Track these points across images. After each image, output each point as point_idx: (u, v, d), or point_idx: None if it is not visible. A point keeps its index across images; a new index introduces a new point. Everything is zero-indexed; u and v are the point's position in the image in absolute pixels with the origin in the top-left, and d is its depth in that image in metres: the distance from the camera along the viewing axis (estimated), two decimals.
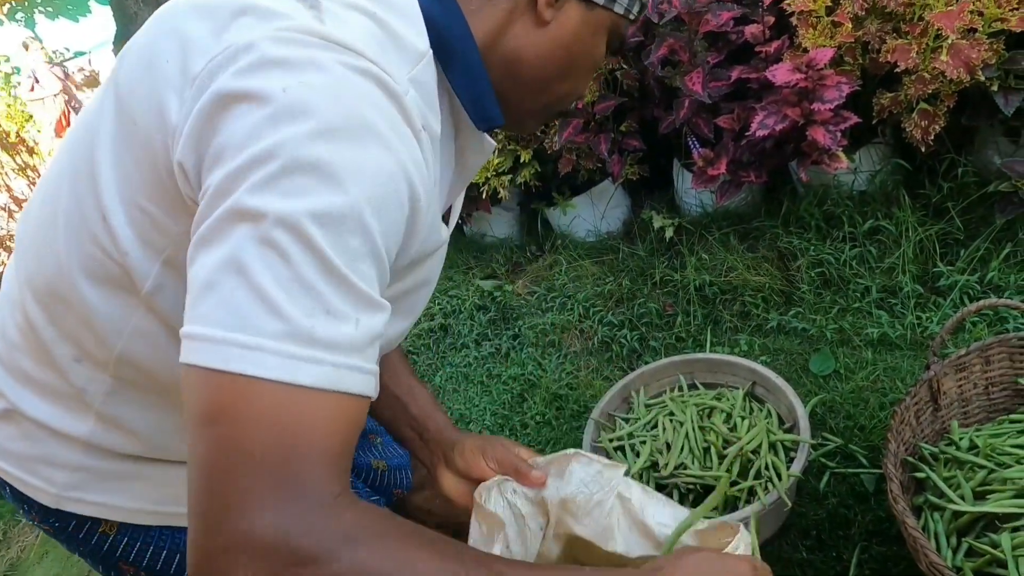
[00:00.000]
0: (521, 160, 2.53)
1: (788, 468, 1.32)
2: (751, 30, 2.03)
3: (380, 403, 0.90)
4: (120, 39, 4.33)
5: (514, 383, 2.25)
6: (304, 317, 0.47)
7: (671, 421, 1.50)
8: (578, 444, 1.92)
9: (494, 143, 0.79)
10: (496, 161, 2.51)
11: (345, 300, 0.49)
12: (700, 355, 1.68)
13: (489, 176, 2.52)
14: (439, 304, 2.66)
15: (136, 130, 0.58)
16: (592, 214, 2.64)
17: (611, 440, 1.52)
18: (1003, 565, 1.07)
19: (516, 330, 2.48)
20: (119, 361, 0.68)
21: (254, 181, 0.47)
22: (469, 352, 2.45)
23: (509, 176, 2.55)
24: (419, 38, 0.61)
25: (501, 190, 2.54)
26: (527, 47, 0.68)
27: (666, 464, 1.41)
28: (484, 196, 2.58)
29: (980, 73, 1.70)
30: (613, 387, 1.66)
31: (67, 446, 0.73)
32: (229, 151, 0.49)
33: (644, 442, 1.48)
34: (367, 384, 0.51)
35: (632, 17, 0.73)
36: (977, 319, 1.77)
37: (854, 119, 1.82)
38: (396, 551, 0.47)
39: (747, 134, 1.91)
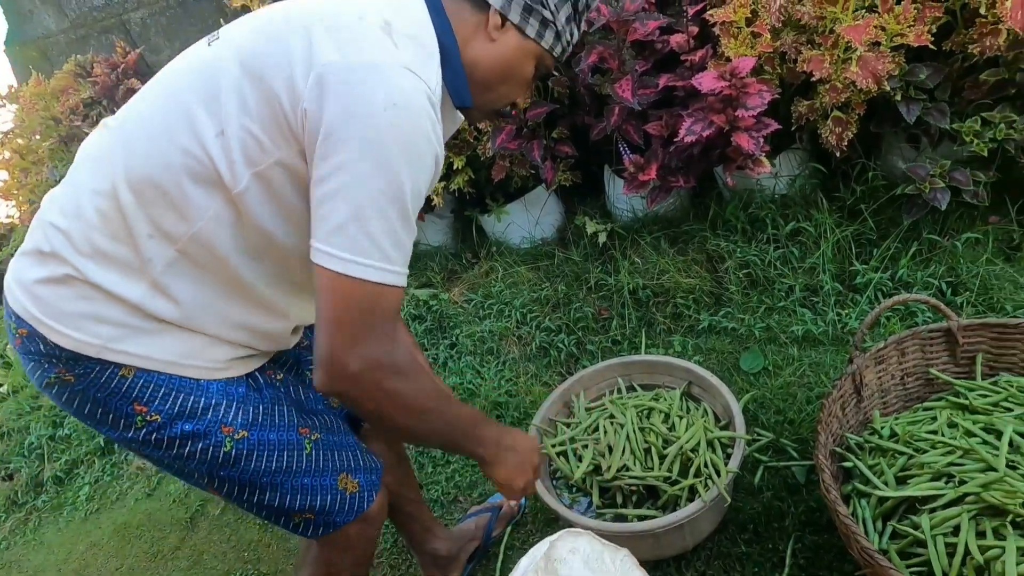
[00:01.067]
0: (454, 167, 2.50)
1: (726, 464, 1.35)
2: (676, 39, 2.09)
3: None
4: (14, 39, 4.01)
5: (453, 393, 2.22)
6: (390, 249, 0.82)
7: (611, 423, 1.51)
8: None
9: (463, 117, 1.08)
10: None
11: (405, 239, 0.85)
12: (637, 357, 1.70)
13: None
14: None
15: (262, 84, 0.83)
16: (526, 220, 2.64)
17: (554, 446, 1.51)
18: (923, 545, 1.12)
19: (453, 339, 2.45)
20: (191, 238, 0.90)
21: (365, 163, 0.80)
22: None
23: (442, 183, 2.52)
24: (435, 49, 0.90)
25: (435, 197, 2.50)
26: (481, 55, 0.95)
27: (609, 467, 1.41)
28: None
29: (886, 83, 1.81)
30: (553, 392, 1.65)
31: (117, 306, 0.91)
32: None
33: (586, 446, 1.48)
34: (404, 280, 0.87)
35: (555, 54, 1.00)
36: (890, 314, 1.88)
37: (775, 125, 1.90)
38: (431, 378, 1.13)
39: (675, 140, 1.96)
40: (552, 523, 1.66)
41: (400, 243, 0.84)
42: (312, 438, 1.06)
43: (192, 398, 0.97)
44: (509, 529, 1.69)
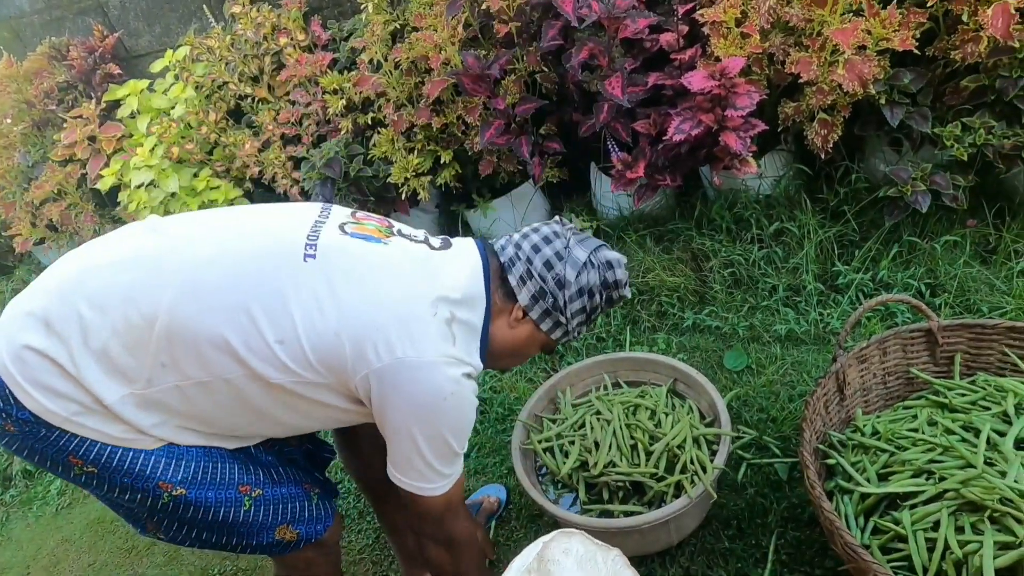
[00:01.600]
0: (441, 161, 2.48)
1: (711, 461, 1.36)
2: (666, 38, 2.10)
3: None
4: None
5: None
6: (450, 471, 1.05)
7: (598, 420, 1.51)
8: (504, 448, 1.90)
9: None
10: (416, 161, 2.46)
11: (458, 459, 1.07)
12: (623, 354, 1.71)
13: (408, 177, 2.45)
14: None
15: (335, 337, 0.95)
16: (512, 216, 2.63)
17: (540, 441, 1.51)
18: (904, 540, 1.14)
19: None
20: (199, 384, 0.96)
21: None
22: None
23: (429, 177, 2.50)
24: (480, 328, 1.06)
25: (420, 191, 2.48)
26: (499, 335, 1.11)
27: (595, 463, 1.41)
28: (403, 197, 2.51)
29: (871, 87, 1.84)
30: (539, 388, 1.65)
31: (89, 397, 0.96)
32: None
33: (573, 442, 1.48)
34: (461, 473, 1.09)
35: (558, 343, 1.16)
36: (871, 314, 1.91)
37: (762, 126, 1.92)
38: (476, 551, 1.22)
39: (664, 138, 1.96)
40: (536, 519, 1.66)
41: (456, 467, 1.06)
42: (253, 495, 1.10)
43: (130, 457, 1.01)
44: (493, 524, 1.68)
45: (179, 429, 1.03)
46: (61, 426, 0.96)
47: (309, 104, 2.74)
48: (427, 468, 1.01)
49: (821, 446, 1.35)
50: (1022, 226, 1.96)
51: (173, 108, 2.97)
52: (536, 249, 1.09)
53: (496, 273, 1.09)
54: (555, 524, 1.61)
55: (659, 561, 1.45)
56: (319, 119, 2.74)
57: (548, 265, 1.07)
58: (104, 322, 0.94)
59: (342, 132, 2.59)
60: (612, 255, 1.12)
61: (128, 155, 2.91)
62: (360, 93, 2.58)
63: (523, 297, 1.08)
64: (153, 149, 2.85)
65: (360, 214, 1.10)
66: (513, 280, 1.08)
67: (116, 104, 3.10)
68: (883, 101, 1.90)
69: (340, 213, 1.07)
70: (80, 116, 3.03)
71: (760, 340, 1.99)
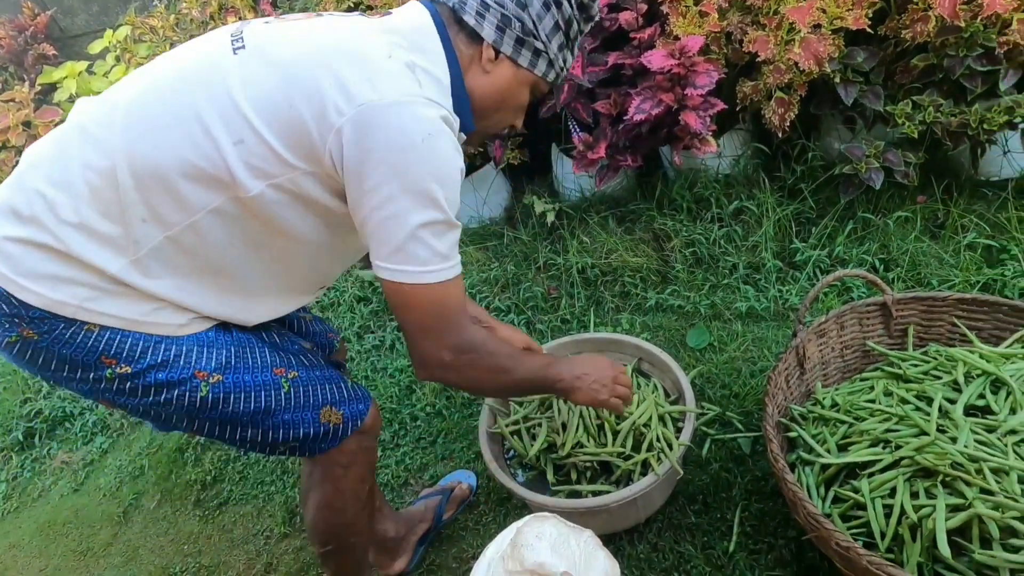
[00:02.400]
0: None
1: (677, 438, 1.37)
2: (625, 16, 2.08)
3: None
4: None
5: (401, 375, 2.17)
6: (445, 250, 0.93)
7: (565, 401, 1.51)
8: (471, 432, 1.88)
9: (463, 136, 1.07)
10: None
11: (453, 236, 0.95)
12: (588, 335, 1.71)
13: None
14: None
15: (289, 109, 0.87)
16: (474, 200, 2.60)
17: (507, 425, 1.50)
18: (863, 507, 1.18)
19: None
20: (187, 227, 0.92)
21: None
22: (351, 346, 2.33)
23: None
24: (448, 83, 0.97)
25: None
26: (476, 86, 1.01)
27: (563, 444, 1.41)
28: None
29: (827, 65, 1.86)
30: None
31: (94, 274, 0.93)
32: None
33: (540, 424, 1.48)
34: (460, 267, 0.97)
35: (548, 80, 1.06)
36: (828, 289, 1.95)
37: (721, 105, 1.93)
38: (501, 344, 1.10)
39: (624, 119, 1.96)
40: (505, 502, 1.66)
41: (451, 242, 0.94)
42: (289, 376, 1.07)
43: (163, 347, 0.98)
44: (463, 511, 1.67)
45: (196, 291, 0.98)
46: (76, 316, 0.93)
47: None
48: (416, 242, 0.89)
49: (783, 420, 1.37)
50: (968, 201, 2.03)
51: None
52: None
53: (450, 19, 0.99)
54: (524, 507, 1.61)
55: (627, 538, 1.46)
56: None
57: None
58: (69, 195, 0.90)
59: None
60: None
61: None
62: None
63: (488, 32, 0.98)
64: None
65: (288, 15, 1.04)
66: (471, 18, 0.98)
67: (52, 87, 2.94)
68: (837, 80, 1.93)
69: (258, 20, 1.01)
70: (12, 100, 2.87)
71: (722, 318, 2.02)
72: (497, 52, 1.00)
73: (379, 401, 2.08)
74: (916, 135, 1.90)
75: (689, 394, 1.44)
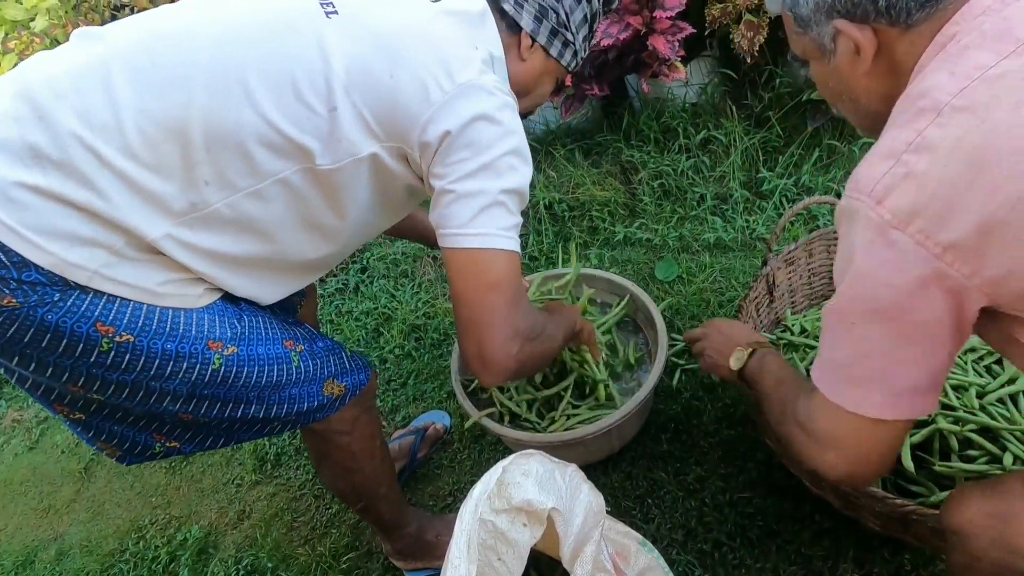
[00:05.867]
0: None
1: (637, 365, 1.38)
2: None
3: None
4: None
5: (367, 318, 2.13)
6: (512, 221, 0.92)
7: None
8: (441, 373, 1.87)
9: None
10: None
11: (515, 215, 0.94)
12: (557, 271, 1.68)
13: None
14: None
15: (390, 79, 0.86)
16: None
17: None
18: None
19: (363, 263, 2.33)
20: (250, 194, 0.86)
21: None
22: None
23: None
24: (504, 60, 1.03)
25: None
26: (514, 72, 1.05)
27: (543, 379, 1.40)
28: None
29: None
30: None
31: (123, 237, 0.81)
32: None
33: None
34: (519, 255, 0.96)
35: (569, 69, 1.12)
36: (795, 218, 1.96)
37: (690, 29, 1.86)
38: (548, 319, 1.11)
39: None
40: (479, 439, 1.66)
41: (522, 201, 0.95)
42: (297, 350, 1.02)
43: (170, 315, 0.88)
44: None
45: (232, 264, 0.91)
46: (89, 284, 0.80)
47: None
48: (499, 207, 0.90)
49: None
50: None
51: (33, 20, 2.58)
52: None
53: (493, 6, 1.04)
54: (499, 443, 1.61)
55: (602, 468, 1.48)
56: None
57: None
58: (115, 143, 0.78)
59: None
60: None
61: None
62: None
63: (526, 22, 1.03)
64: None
65: None
66: (510, 7, 1.02)
67: None
68: None
69: None
70: None
71: (690, 250, 2.01)
72: (532, 41, 1.04)
73: (347, 345, 2.04)
74: None
75: (661, 325, 1.44)
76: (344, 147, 0.87)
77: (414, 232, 1.45)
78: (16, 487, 2.03)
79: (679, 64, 1.90)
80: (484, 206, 0.89)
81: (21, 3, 2.59)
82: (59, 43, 2.56)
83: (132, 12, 2.57)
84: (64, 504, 1.92)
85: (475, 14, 0.99)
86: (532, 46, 1.05)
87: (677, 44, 1.84)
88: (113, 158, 0.78)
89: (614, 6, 1.12)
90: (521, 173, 0.92)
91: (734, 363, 1.08)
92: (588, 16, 1.07)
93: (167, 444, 1.00)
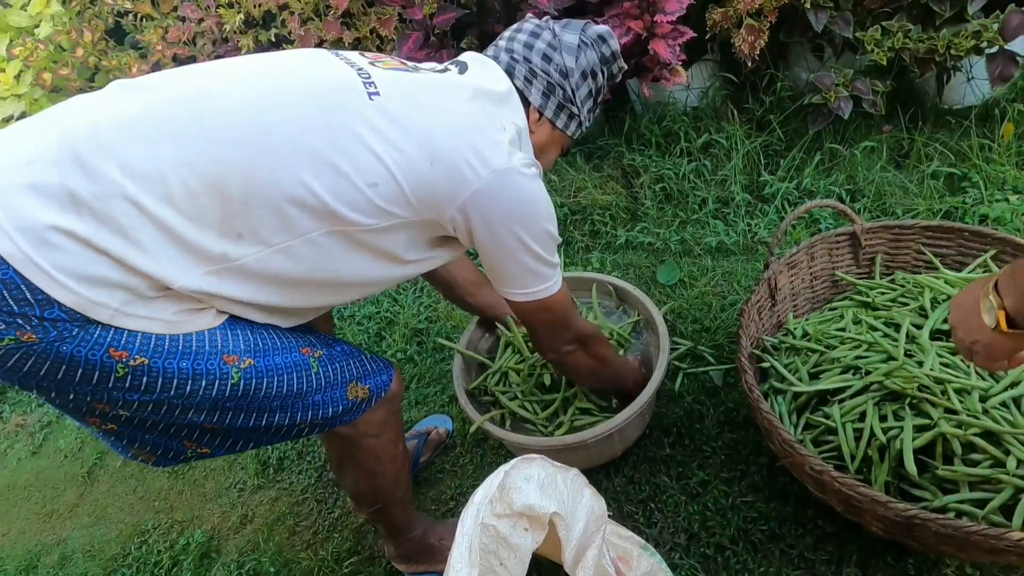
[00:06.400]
0: None
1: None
2: None
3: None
4: None
5: (369, 322, 2.13)
6: (553, 270, 1.06)
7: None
8: (444, 377, 1.87)
9: None
10: None
11: (555, 262, 1.05)
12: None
13: None
14: None
15: (431, 166, 0.91)
16: None
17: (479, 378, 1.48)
18: (834, 432, 1.20)
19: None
20: (280, 250, 0.88)
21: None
22: None
23: None
24: (527, 131, 1.09)
25: None
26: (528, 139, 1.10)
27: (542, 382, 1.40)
28: None
29: None
30: (477, 316, 1.60)
31: (147, 282, 0.83)
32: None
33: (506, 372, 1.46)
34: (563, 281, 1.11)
35: (573, 139, 1.18)
36: (796, 221, 1.96)
37: (690, 33, 1.86)
38: (604, 341, 1.29)
39: None
40: (481, 443, 1.66)
41: (557, 253, 1.06)
42: (316, 355, 1.03)
43: (182, 336, 0.88)
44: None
45: (244, 307, 0.93)
46: (110, 322, 0.82)
47: (202, 20, 2.45)
48: (541, 264, 1.03)
49: (755, 351, 1.39)
50: (932, 130, 2.04)
51: (37, 27, 2.59)
52: (528, 47, 1.08)
53: None
54: (501, 447, 1.61)
55: (604, 472, 1.48)
56: (215, 37, 2.47)
57: (546, 58, 1.07)
58: (154, 192, 0.80)
59: (243, 51, 2.35)
60: (600, 28, 1.12)
61: None
62: (259, 6, 2.33)
63: (535, 97, 1.09)
64: (19, 75, 2.50)
65: (367, 53, 1.05)
66: (519, 84, 1.08)
67: None
68: (808, 5, 1.88)
69: (353, 54, 1.01)
70: None
71: (692, 253, 2.01)
72: (540, 115, 1.10)
73: None
74: (885, 62, 1.88)
75: (662, 329, 1.44)
76: (379, 214, 0.91)
77: (475, 304, 1.53)
78: (19, 491, 2.03)
79: (680, 68, 1.90)
80: (533, 273, 1.03)
81: (26, 10, 2.61)
82: (63, 50, 2.57)
83: (135, 19, 2.58)
84: (67, 508, 1.92)
85: (502, 94, 1.04)
86: (540, 119, 1.10)
87: (678, 48, 1.84)
88: (154, 207, 0.81)
89: (617, 80, 1.18)
90: (552, 232, 1.02)
91: (988, 320, 0.78)
92: (593, 91, 1.12)
93: (199, 450, 1.02)
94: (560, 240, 1.06)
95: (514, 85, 1.07)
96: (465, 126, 0.95)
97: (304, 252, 0.90)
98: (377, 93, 0.92)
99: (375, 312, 2.15)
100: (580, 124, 1.15)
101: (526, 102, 1.09)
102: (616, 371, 1.33)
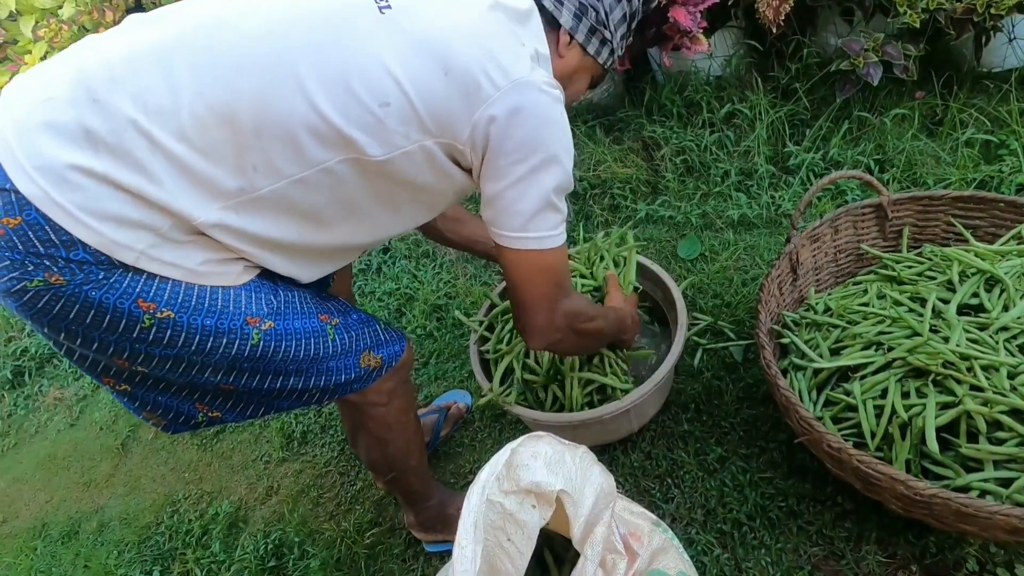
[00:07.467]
0: None
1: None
2: None
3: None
4: None
5: (390, 298, 2.15)
6: (560, 217, 0.98)
7: None
8: (463, 353, 1.88)
9: None
10: None
11: (563, 210, 0.98)
12: (579, 249, 1.67)
13: None
14: None
15: (445, 76, 0.86)
16: None
17: (498, 345, 1.49)
18: (854, 409, 1.18)
19: (386, 244, 2.34)
20: (296, 182, 0.87)
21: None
22: None
23: None
24: (548, 56, 1.01)
25: None
26: (555, 66, 1.03)
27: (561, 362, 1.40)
28: None
29: None
30: (495, 290, 1.60)
31: (170, 219, 0.83)
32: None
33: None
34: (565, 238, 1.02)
35: (605, 67, 1.11)
36: (821, 193, 1.91)
37: None
38: (594, 306, 1.19)
39: None
40: (499, 418, 1.68)
41: (565, 200, 0.99)
42: (333, 323, 1.04)
43: (208, 292, 0.90)
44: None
45: (276, 248, 0.93)
46: (134, 264, 0.83)
47: None
48: (548, 207, 0.95)
49: (775, 327, 1.36)
50: (968, 95, 1.95)
51: (61, 8, 2.62)
52: None
53: (535, 2, 1.04)
54: (519, 423, 1.62)
55: (621, 448, 1.48)
56: None
57: None
58: (167, 126, 0.80)
59: None
60: None
61: (15, 65, 2.58)
62: None
63: (566, 19, 1.03)
64: (45, 56, 2.53)
65: None
66: (550, 4, 1.02)
67: None
68: None
69: None
70: None
71: (713, 227, 1.98)
72: (571, 38, 1.04)
73: None
74: (918, 24, 1.79)
75: (681, 305, 1.42)
76: (394, 140, 0.87)
77: (458, 239, 1.45)
78: (60, 461, 2.12)
79: (701, 36, 1.84)
80: (537, 211, 0.94)
81: None
82: (87, 31, 2.60)
83: None
84: (103, 478, 2.00)
85: (523, 11, 0.98)
86: (570, 43, 1.04)
87: (699, 15, 1.79)
88: (167, 141, 0.80)
89: (653, 5, 1.11)
90: (567, 167, 0.95)
91: None
92: (627, 15, 1.06)
93: (209, 414, 1.04)
94: (572, 183, 0.99)
95: (543, 5, 1.01)
96: (482, 34, 0.89)
97: (320, 181, 0.88)
98: (388, 6, 0.88)
99: (395, 288, 2.16)
100: (612, 52, 1.08)
101: (554, 25, 1.02)
102: (611, 335, 1.27)
